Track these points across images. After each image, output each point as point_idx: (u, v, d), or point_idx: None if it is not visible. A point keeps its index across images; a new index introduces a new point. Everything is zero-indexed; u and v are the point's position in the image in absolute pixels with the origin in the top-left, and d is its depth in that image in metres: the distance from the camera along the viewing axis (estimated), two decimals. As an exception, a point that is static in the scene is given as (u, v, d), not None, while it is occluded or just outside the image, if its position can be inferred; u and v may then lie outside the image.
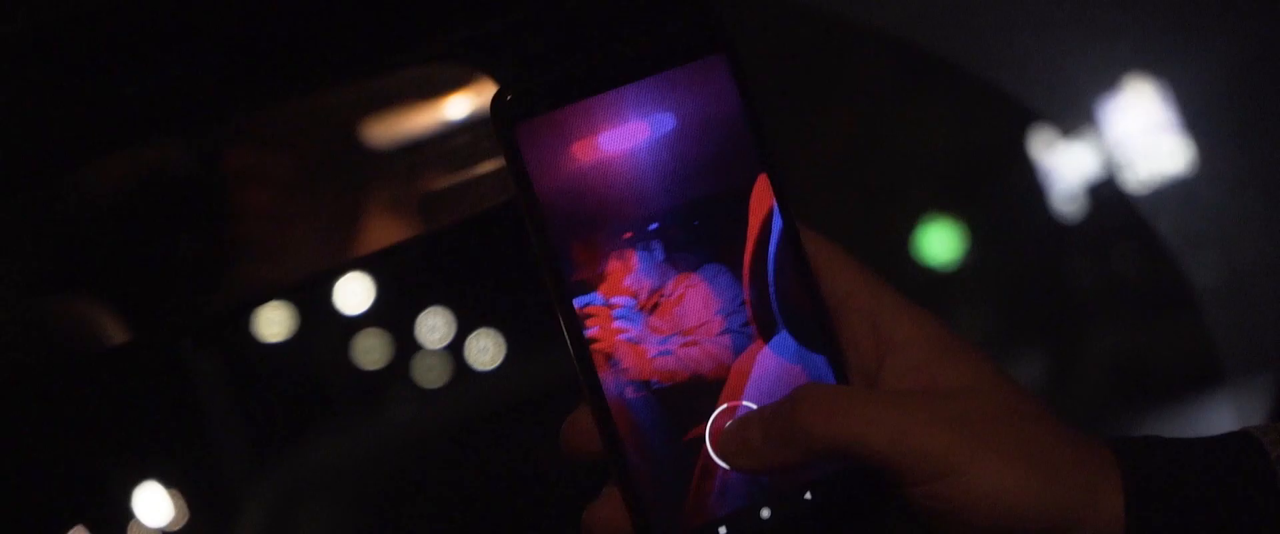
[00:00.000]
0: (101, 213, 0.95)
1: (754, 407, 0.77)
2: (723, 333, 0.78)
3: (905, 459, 0.72)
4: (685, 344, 0.77)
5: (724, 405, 0.78)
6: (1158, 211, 1.90)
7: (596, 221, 0.77)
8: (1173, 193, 2.09)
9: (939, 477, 0.72)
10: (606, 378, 0.77)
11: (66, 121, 0.95)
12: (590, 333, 0.77)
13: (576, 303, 0.77)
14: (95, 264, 0.95)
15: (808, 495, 0.77)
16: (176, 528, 4.12)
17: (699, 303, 0.78)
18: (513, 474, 1.37)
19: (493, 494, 0.82)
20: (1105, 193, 2.11)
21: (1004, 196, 2.76)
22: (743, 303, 0.78)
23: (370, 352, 3.70)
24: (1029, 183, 2.66)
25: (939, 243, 3.35)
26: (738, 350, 0.77)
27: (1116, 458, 0.74)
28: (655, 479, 0.76)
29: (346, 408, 3.52)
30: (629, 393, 0.77)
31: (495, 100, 0.76)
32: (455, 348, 3.77)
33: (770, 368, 0.77)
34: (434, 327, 3.85)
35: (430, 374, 3.85)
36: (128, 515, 4.17)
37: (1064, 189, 2.56)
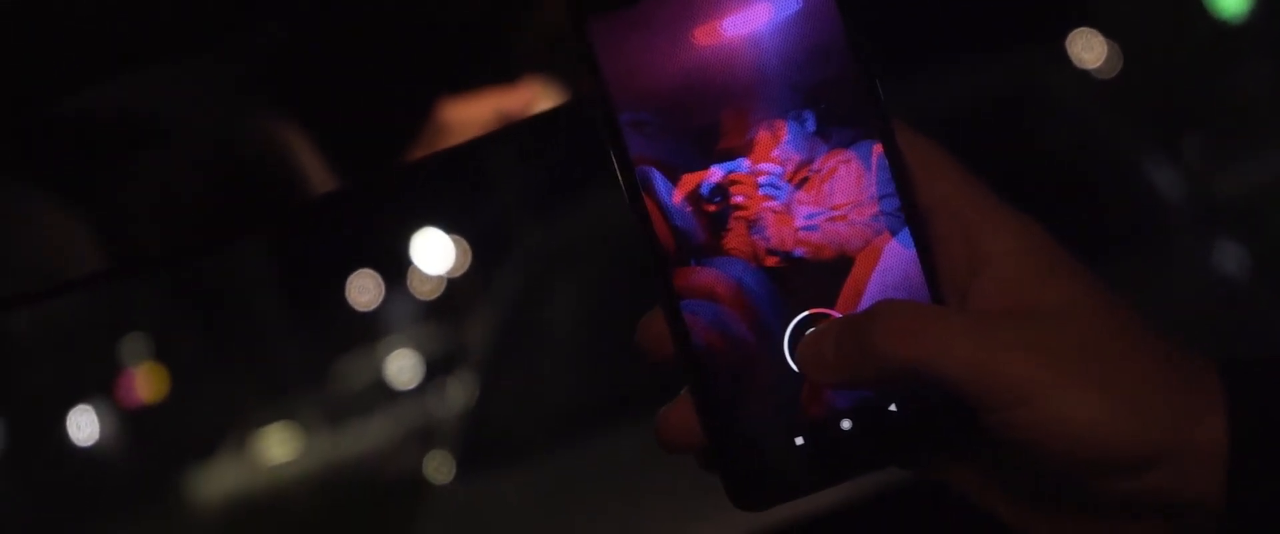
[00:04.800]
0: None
1: (837, 316, 0.75)
2: (872, 215, 0.76)
3: (981, 385, 0.69)
4: (832, 219, 0.76)
5: (806, 312, 0.76)
6: None
7: (737, 95, 0.76)
8: None
9: (1016, 405, 0.69)
10: (742, 245, 0.76)
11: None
12: (736, 200, 0.76)
13: (722, 169, 0.77)
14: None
15: (893, 407, 0.75)
16: (455, 274, 4.23)
17: (851, 180, 0.76)
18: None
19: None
20: None
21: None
22: (890, 187, 0.76)
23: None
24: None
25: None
26: (877, 233, 0.76)
27: (1223, 383, 0.70)
28: (731, 385, 0.75)
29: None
30: (766, 262, 0.76)
31: None
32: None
33: (898, 258, 0.76)
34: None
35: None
36: (408, 261, 4.32)
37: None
